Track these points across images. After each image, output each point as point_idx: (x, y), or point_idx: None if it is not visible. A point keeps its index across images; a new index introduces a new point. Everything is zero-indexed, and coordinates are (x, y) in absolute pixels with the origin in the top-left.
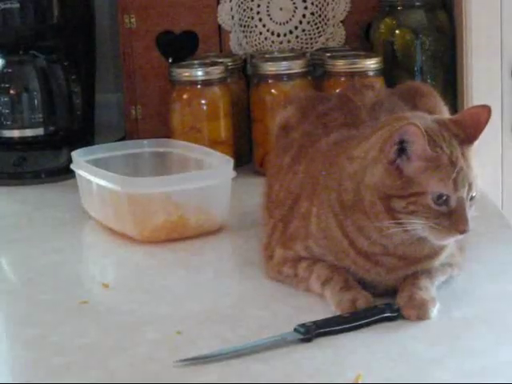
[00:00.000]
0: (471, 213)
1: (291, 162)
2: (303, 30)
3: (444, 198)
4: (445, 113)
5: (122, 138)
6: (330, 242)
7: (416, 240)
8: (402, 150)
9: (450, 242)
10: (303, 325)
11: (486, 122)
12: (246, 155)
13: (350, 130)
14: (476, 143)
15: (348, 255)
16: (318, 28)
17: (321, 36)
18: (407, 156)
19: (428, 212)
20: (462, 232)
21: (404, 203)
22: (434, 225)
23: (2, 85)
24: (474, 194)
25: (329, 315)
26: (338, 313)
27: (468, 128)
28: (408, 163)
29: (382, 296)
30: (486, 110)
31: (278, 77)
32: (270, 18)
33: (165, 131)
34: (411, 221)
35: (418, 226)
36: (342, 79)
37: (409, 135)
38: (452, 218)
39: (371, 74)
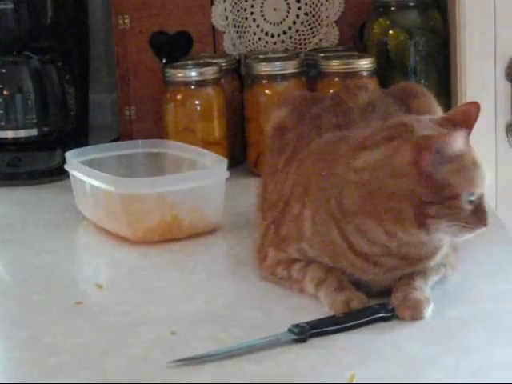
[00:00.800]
0: None
1: (285, 164)
2: (297, 31)
3: (473, 196)
4: (438, 113)
5: (116, 139)
6: (327, 245)
7: (417, 240)
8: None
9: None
10: (297, 325)
11: (476, 118)
12: (239, 155)
13: (340, 131)
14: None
15: (346, 257)
16: (311, 28)
17: (314, 36)
18: (439, 162)
19: (459, 213)
20: (486, 225)
21: (439, 208)
22: (464, 224)
23: None
24: None
25: (323, 316)
26: (332, 313)
27: (459, 125)
28: (440, 168)
29: (376, 296)
30: (475, 106)
31: (271, 77)
32: (264, 19)
33: (159, 132)
34: (441, 224)
35: (451, 230)
36: (336, 79)
37: (449, 147)
38: (477, 214)
39: (365, 74)
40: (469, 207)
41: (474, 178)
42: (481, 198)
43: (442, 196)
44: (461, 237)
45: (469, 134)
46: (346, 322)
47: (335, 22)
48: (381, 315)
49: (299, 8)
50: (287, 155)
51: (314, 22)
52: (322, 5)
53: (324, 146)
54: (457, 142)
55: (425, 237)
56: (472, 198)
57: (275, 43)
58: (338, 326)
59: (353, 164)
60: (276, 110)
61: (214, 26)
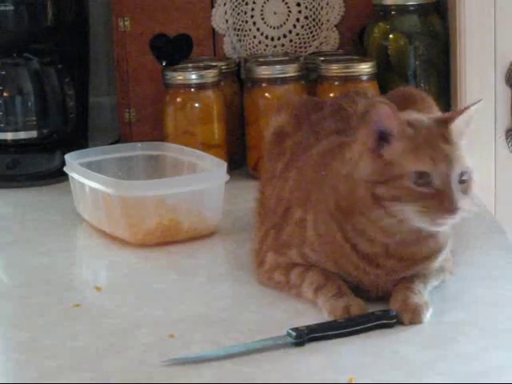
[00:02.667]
0: (467, 193)
1: (283, 169)
2: (297, 34)
3: (425, 176)
4: None
5: (116, 141)
6: (330, 248)
7: (415, 240)
8: (382, 135)
9: (446, 227)
10: (296, 329)
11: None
12: (239, 158)
13: (340, 136)
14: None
15: (350, 260)
16: (311, 32)
17: (315, 40)
18: (386, 140)
19: (412, 195)
20: (451, 211)
21: (387, 189)
22: (421, 208)
23: None
24: (463, 171)
25: (323, 320)
26: (331, 319)
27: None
28: (387, 146)
29: (375, 302)
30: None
31: (271, 81)
32: (264, 22)
33: (158, 134)
34: (398, 208)
35: (408, 214)
36: (336, 83)
37: (381, 116)
38: (437, 197)
39: (365, 78)
40: (424, 189)
41: (425, 157)
42: (444, 180)
43: (388, 175)
44: (434, 224)
45: (454, 118)
46: (347, 328)
47: (335, 25)
48: (383, 322)
49: (299, 11)
50: (285, 161)
51: (314, 26)
52: (322, 8)
53: (324, 152)
54: (386, 113)
55: (388, 220)
56: (425, 179)
57: (275, 47)
58: (338, 331)
59: (343, 157)
60: (275, 116)
61: (214, 29)
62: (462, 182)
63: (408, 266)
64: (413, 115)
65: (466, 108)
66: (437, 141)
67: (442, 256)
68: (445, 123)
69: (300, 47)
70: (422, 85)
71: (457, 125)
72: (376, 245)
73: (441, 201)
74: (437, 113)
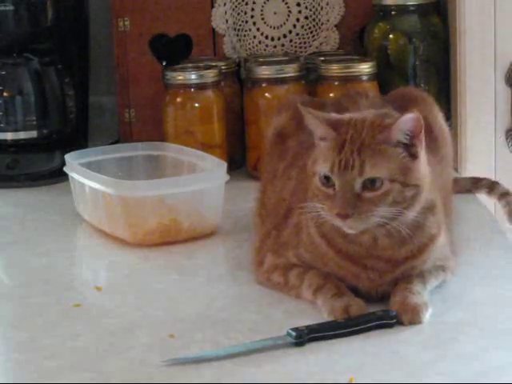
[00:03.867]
0: (381, 201)
1: (285, 169)
2: (297, 34)
3: (330, 179)
4: (439, 119)
5: (116, 141)
6: (313, 247)
7: (391, 241)
8: None
9: (353, 230)
10: (296, 329)
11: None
12: (239, 159)
13: None
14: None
15: (331, 259)
16: (311, 32)
17: (315, 40)
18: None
19: (320, 194)
20: (339, 216)
21: (311, 185)
22: (323, 209)
23: None
24: (372, 179)
25: (322, 320)
26: (331, 319)
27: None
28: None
29: (374, 302)
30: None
31: (271, 81)
32: (264, 22)
33: (158, 134)
34: (316, 204)
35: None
36: (336, 83)
37: (307, 120)
38: (331, 199)
39: (365, 78)
40: (328, 190)
41: (328, 161)
42: (340, 185)
43: (311, 172)
44: (336, 223)
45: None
46: (347, 328)
47: (335, 25)
48: (383, 322)
49: (299, 11)
50: (287, 161)
51: (314, 26)
52: (322, 8)
53: None
54: (307, 117)
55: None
56: (329, 181)
57: (275, 47)
58: (338, 331)
59: None
60: (276, 116)
61: (214, 29)
62: (368, 189)
63: (394, 266)
64: (356, 116)
65: (399, 118)
66: (349, 146)
67: (432, 255)
68: (375, 130)
69: (300, 47)
70: (422, 85)
71: (389, 133)
72: (354, 243)
73: (332, 204)
74: (438, 113)
